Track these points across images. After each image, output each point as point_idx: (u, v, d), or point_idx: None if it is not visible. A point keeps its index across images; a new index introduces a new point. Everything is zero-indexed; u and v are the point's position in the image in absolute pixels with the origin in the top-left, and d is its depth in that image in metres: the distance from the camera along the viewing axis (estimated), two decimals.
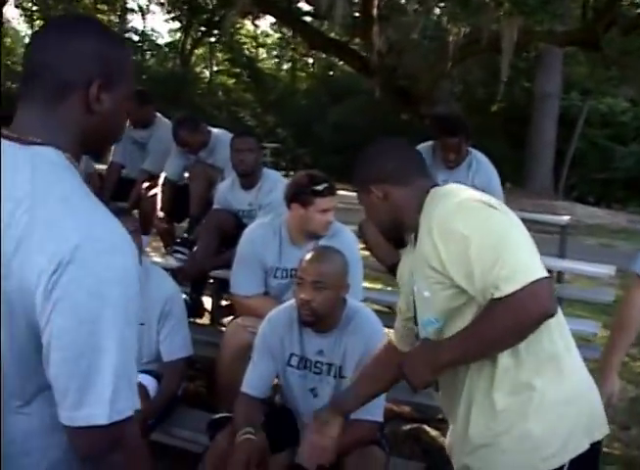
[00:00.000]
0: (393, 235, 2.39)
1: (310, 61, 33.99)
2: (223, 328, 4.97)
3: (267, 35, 33.93)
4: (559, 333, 2.14)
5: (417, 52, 15.94)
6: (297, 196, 3.92)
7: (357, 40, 17.76)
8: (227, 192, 5.17)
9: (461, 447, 2.25)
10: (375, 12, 13.42)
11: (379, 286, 6.73)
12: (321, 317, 3.21)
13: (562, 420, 2.10)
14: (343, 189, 6.21)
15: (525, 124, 20.75)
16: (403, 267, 2.45)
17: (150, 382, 3.73)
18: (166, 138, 6.01)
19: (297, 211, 3.92)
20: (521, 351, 2.06)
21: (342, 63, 31.40)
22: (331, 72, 33.65)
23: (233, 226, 5.01)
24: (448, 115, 5.20)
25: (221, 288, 5.31)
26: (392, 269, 4.95)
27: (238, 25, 30.09)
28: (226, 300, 5.58)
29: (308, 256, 3.25)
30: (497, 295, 1.91)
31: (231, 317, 4.65)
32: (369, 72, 16.63)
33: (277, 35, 33.04)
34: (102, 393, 1.43)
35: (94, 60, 1.55)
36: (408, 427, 4.58)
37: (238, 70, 31.31)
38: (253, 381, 3.35)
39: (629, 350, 3.93)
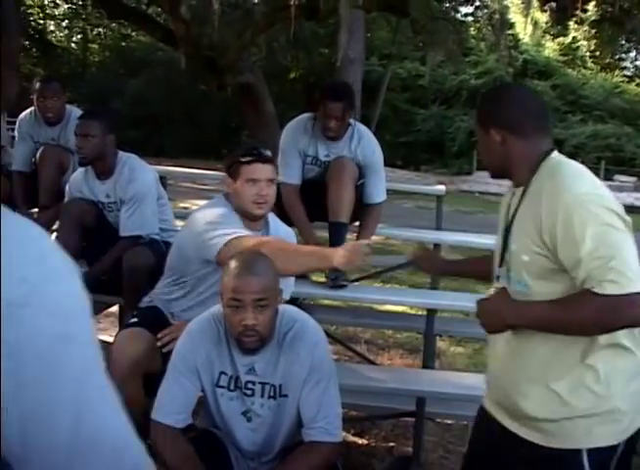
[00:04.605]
0: (498, 176, 2.43)
1: (102, 31, 32.79)
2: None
3: (56, 6, 32.25)
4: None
5: (222, 21, 15.53)
6: (228, 169, 3.37)
7: (158, 10, 17.20)
8: (81, 183, 4.48)
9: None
10: None
11: None
12: (266, 340, 2.70)
13: None
14: (157, 164, 5.67)
15: None
16: (503, 205, 2.49)
17: None
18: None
19: (231, 186, 3.35)
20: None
21: (135, 34, 30.60)
22: (124, 44, 32.67)
23: (95, 219, 4.45)
24: (334, 81, 4.89)
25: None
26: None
27: None
28: None
29: (235, 270, 2.64)
30: (598, 291, 1.99)
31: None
32: (173, 43, 16.15)
33: (66, 6, 31.50)
34: None
35: None
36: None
37: (26, 42, 29.66)
38: (174, 407, 2.78)
39: None
